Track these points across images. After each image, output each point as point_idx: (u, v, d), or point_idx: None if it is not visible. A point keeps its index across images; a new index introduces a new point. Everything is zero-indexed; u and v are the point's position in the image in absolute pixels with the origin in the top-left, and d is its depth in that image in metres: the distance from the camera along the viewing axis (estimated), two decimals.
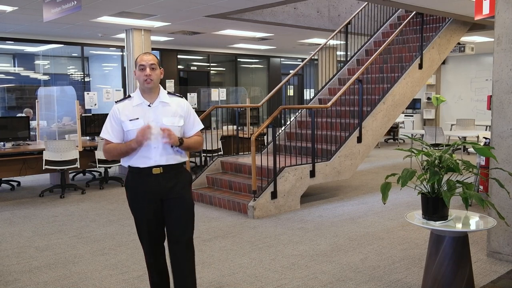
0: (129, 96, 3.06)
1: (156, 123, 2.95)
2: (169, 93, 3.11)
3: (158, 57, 3.14)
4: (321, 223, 5.65)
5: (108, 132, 3.03)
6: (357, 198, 7.00)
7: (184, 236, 3.09)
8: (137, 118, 2.96)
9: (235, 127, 8.80)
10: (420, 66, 7.99)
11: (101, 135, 3.07)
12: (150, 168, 2.98)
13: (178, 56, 13.91)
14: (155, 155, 2.97)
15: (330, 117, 7.61)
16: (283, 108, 6.57)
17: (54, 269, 4.24)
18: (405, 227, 5.42)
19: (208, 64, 15.02)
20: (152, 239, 3.13)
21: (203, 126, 3.22)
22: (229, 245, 4.85)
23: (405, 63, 8.14)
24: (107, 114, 3.18)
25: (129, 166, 3.06)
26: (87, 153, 7.70)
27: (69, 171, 8.33)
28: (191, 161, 9.44)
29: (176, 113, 3.04)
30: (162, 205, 3.06)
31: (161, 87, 3.08)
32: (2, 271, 4.20)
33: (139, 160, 2.99)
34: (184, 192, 3.09)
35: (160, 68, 3.04)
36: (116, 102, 3.08)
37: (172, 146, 2.99)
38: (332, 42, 9.48)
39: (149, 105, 3.00)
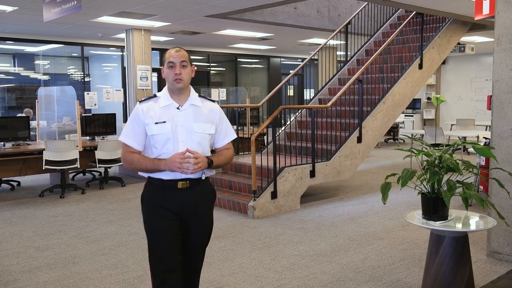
0: (155, 96, 2.67)
1: (186, 128, 2.60)
2: (200, 95, 2.74)
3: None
4: (321, 223, 5.65)
5: (129, 136, 2.63)
6: (357, 198, 7.00)
7: (195, 275, 2.79)
8: (164, 122, 2.58)
9: (235, 127, 8.80)
10: (420, 66, 7.99)
11: (120, 138, 2.67)
12: (175, 181, 2.59)
13: None
14: None
15: (330, 117, 7.60)
16: (283, 108, 6.57)
17: (54, 269, 4.24)
18: (405, 227, 5.42)
19: (208, 64, 15.02)
20: (168, 265, 2.62)
21: (236, 136, 2.83)
22: (229, 245, 4.85)
23: (405, 63, 8.14)
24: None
25: (149, 177, 2.67)
26: (87, 153, 7.69)
27: (69, 171, 8.33)
28: None
29: (208, 118, 2.67)
30: (182, 222, 2.66)
31: (192, 88, 2.72)
32: (2, 271, 4.20)
33: (164, 174, 2.59)
34: (209, 210, 2.75)
35: (191, 66, 2.66)
36: (139, 102, 2.68)
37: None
38: (332, 42, 9.48)
39: (178, 108, 2.61)
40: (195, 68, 2.71)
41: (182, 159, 2.48)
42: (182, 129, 2.59)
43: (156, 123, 2.58)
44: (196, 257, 2.76)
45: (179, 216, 2.64)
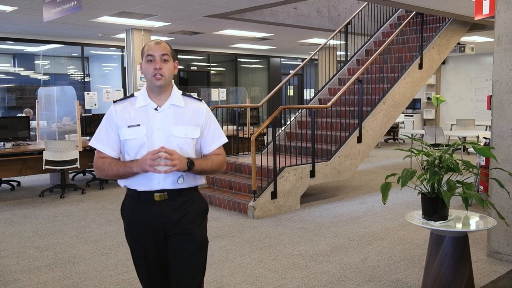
0: (132, 96, 2.35)
1: (163, 132, 2.23)
2: (184, 94, 2.37)
3: None
4: (321, 223, 5.65)
5: (102, 141, 2.31)
6: (357, 198, 7.00)
7: None
8: (138, 125, 2.24)
9: (235, 127, 8.80)
10: (420, 66, 7.99)
11: (91, 143, 2.33)
12: (151, 193, 2.25)
13: (178, 56, 13.91)
14: (159, 176, 2.23)
15: (330, 117, 7.60)
16: (283, 108, 6.57)
17: (54, 269, 4.24)
18: (405, 227, 5.42)
19: (208, 64, 15.02)
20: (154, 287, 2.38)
21: (226, 140, 2.43)
22: (229, 245, 4.84)
23: (405, 63, 8.14)
24: None
25: (126, 187, 2.35)
26: (87, 153, 7.70)
27: (69, 171, 8.33)
28: None
29: (191, 120, 2.30)
30: (166, 242, 2.31)
31: (175, 86, 2.37)
32: (2, 271, 4.20)
33: (138, 181, 2.26)
34: (194, 227, 2.31)
35: (174, 61, 2.31)
36: (114, 102, 2.35)
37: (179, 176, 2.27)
38: (332, 42, 9.48)
39: (156, 109, 2.26)
40: (178, 64, 2.37)
41: (154, 155, 2.13)
42: (159, 133, 2.23)
43: (129, 126, 2.25)
44: (189, 280, 2.30)
45: (161, 233, 2.28)
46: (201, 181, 2.39)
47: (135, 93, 2.35)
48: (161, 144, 2.19)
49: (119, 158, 2.35)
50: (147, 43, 2.30)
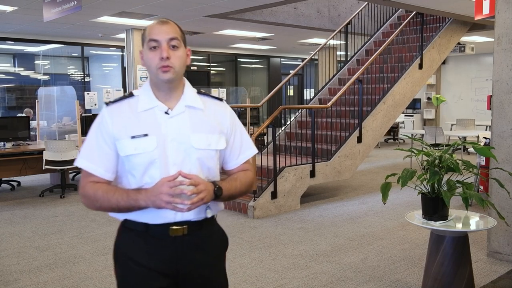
0: (131, 95, 1.75)
1: (179, 144, 1.68)
2: (200, 92, 1.83)
3: None
4: (321, 223, 5.65)
5: (91, 158, 1.70)
6: (357, 198, 7.00)
7: None
8: (145, 135, 1.67)
9: None
10: (420, 66, 7.99)
11: (77, 162, 1.72)
12: (166, 226, 1.68)
13: None
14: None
15: (330, 117, 7.61)
16: (283, 108, 6.57)
17: (54, 269, 4.24)
18: (405, 227, 5.42)
19: (208, 64, 15.02)
20: None
21: (256, 151, 1.90)
22: (229, 245, 4.84)
23: (405, 63, 8.14)
24: None
25: (125, 219, 1.78)
26: None
27: (69, 171, 8.33)
28: None
29: (214, 127, 1.75)
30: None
31: (187, 82, 1.81)
32: (2, 271, 4.20)
33: (147, 213, 1.68)
34: (215, 271, 1.82)
35: (186, 47, 1.74)
36: (107, 104, 1.74)
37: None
38: (332, 42, 9.48)
39: (166, 112, 1.70)
40: (190, 52, 1.80)
41: (173, 187, 1.56)
42: (174, 145, 1.68)
43: (132, 137, 1.67)
44: None
45: (172, 281, 1.72)
46: (221, 207, 1.85)
47: (134, 92, 1.77)
48: (177, 160, 1.66)
49: (110, 181, 1.75)
50: (150, 25, 1.72)
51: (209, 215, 1.73)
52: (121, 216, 1.77)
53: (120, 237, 1.80)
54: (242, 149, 1.85)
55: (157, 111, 1.71)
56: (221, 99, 1.85)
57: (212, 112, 1.78)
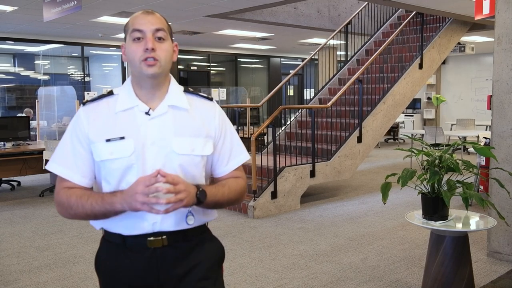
0: (111, 94, 1.60)
1: (160, 148, 1.52)
2: (187, 91, 1.65)
3: None
4: (321, 223, 5.65)
5: (65, 163, 1.56)
6: (357, 198, 7.00)
7: None
8: (122, 138, 1.51)
9: (235, 127, 8.80)
10: (420, 66, 7.99)
11: (48, 166, 1.58)
12: (143, 237, 1.54)
13: (178, 56, 13.86)
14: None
15: (330, 117, 7.61)
16: (283, 108, 6.57)
17: (54, 269, 4.24)
18: (405, 227, 5.42)
19: (208, 64, 15.02)
20: None
21: (248, 158, 1.73)
22: (229, 245, 4.84)
23: (405, 63, 8.14)
24: None
25: (103, 230, 1.63)
26: None
27: None
28: None
29: (199, 129, 1.59)
30: None
31: (173, 80, 1.65)
32: (2, 271, 4.20)
33: (122, 222, 1.54)
34: (209, 285, 1.62)
35: (172, 41, 1.59)
36: (83, 103, 1.61)
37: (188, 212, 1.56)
38: (332, 42, 9.49)
39: (147, 113, 1.55)
40: (178, 46, 1.64)
41: (148, 186, 1.39)
42: (154, 149, 1.52)
43: (108, 140, 1.52)
44: None
45: None
46: (212, 215, 1.68)
47: (114, 90, 1.61)
48: (158, 166, 1.48)
49: (92, 188, 1.60)
50: (134, 15, 1.56)
51: (190, 222, 1.54)
52: (97, 225, 1.61)
53: (100, 249, 1.66)
54: (232, 154, 1.67)
55: (137, 112, 1.55)
56: (210, 99, 1.68)
57: (199, 113, 1.61)
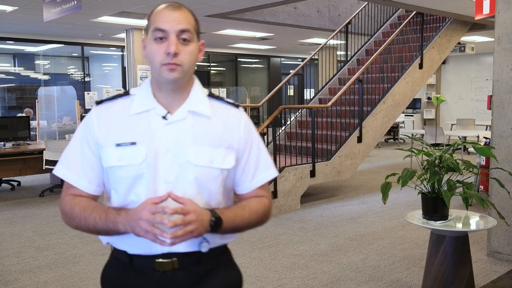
0: (127, 94, 1.45)
1: (175, 156, 1.36)
2: (212, 95, 1.48)
3: None
4: (321, 223, 5.65)
5: (72, 168, 1.42)
6: (357, 198, 7.00)
7: None
8: (133, 143, 1.36)
9: None
10: (420, 66, 7.99)
11: (55, 170, 1.45)
12: (152, 258, 1.38)
13: None
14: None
15: (330, 117, 7.60)
16: (283, 108, 6.57)
17: (54, 269, 4.24)
18: (405, 227, 5.42)
19: (208, 64, 15.02)
20: None
21: (276, 174, 1.54)
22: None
23: (405, 63, 8.14)
24: None
25: (112, 247, 1.49)
26: None
27: None
28: None
29: (220, 139, 1.41)
30: None
31: (197, 82, 1.47)
32: (2, 271, 4.20)
33: (129, 240, 1.36)
34: None
35: (198, 41, 1.41)
36: (97, 102, 1.45)
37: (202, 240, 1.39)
38: (332, 42, 9.48)
39: (164, 117, 1.38)
40: (204, 46, 1.45)
41: (155, 213, 1.25)
42: (167, 158, 1.36)
43: (118, 144, 1.37)
44: None
45: None
46: (232, 237, 1.53)
47: (131, 90, 1.46)
48: (170, 178, 1.35)
49: (100, 195, 1.47)
50: (158, 9, 1.36)
51: (204, 250, 1.37)
52: (104, 240, 1.46)
53: (107, 265, 1.51)
54: (258, 170, 1.48)
55: (153, 115, 1.38)
56: (237, 105, 1.50)
57: (222, 121, 1.43)
